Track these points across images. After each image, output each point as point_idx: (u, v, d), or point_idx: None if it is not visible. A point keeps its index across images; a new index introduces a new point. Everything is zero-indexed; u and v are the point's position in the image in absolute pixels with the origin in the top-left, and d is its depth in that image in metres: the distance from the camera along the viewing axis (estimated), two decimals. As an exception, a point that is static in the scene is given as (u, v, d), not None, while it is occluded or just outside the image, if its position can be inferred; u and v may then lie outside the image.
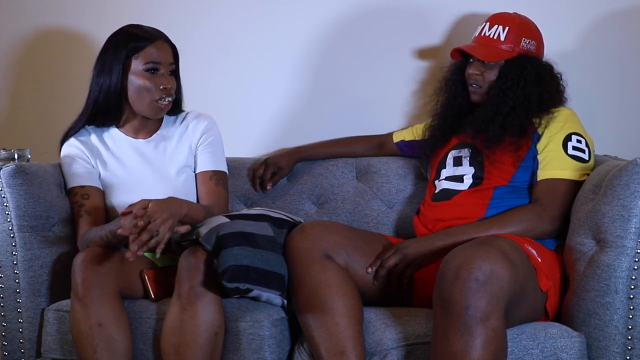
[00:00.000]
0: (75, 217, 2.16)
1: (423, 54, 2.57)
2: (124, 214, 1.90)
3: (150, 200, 1.89)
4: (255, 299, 1.98)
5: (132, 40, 2.12)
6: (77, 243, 2.13)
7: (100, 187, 2.21)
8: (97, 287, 1.93)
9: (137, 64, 2.12)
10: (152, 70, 2.12)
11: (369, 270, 2.00)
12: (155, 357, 2.01)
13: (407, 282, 2.02)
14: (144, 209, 1.86)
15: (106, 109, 2.17)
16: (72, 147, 2.21)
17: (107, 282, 1.95)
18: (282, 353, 1.98)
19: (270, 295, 1.97)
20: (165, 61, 2.14)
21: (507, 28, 2.19)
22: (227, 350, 1.95)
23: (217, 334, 1.91)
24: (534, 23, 2.24)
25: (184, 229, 1.91)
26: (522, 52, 2.19)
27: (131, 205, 1.89)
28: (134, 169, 2.22)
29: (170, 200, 1.93)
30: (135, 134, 2.24)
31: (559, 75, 2.23)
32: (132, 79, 2.13)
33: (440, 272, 1.73)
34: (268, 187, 2.49)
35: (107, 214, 2.20)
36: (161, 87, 2.13)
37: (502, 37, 2.19)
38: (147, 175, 2.21)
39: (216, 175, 2.23)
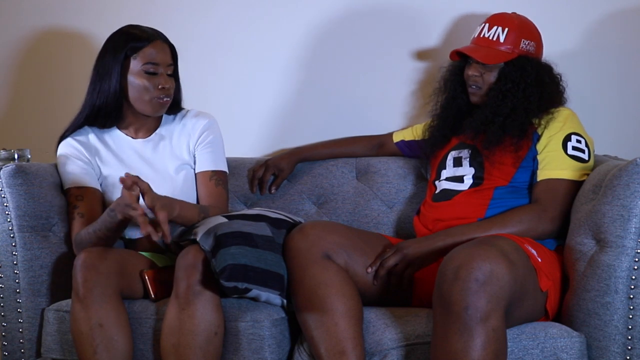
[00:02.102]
0: (69, 218, 2.16)
1: (422, 54, 2.57)
2: (124, 180, 1.92)
3: (148, 188, 1.93)
4: (255, 299, 1.98)
5: (130, 41, 2.12)
6: (73, 245, 2.13)
7: (98, 187, 2.20)
8: (97, 287, 1.93)
9: (135, 64, 2.12)
10: (150, 71, 2.13)
11: (369, 270, 2.00)
12: (156, 358, 2.01)
13: (407, 282, 2.02)
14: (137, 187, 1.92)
15: (106, 111, 2.17)
16: (68, 146, 2.21)
17: (108, 282, 1.94)
18: (282, 353, 1.98)
19: (270, 295, 1.96)
20: (164, 62, 2.15)
21: (506, 29, 2.19)
22: (227, 350, 1.95)
23: (216, 333, 1.91)
24: (533, 23, 2.24)
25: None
26: (521, 53, 2.19)
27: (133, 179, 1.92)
28: (134, 168, 2.22)
29: (165, 198, 1.98)
30: (135, 133, 2.25)
31: (558, 76, 2.23)
32: (131, 79, 2.13)
33: (440, 272, 1.73)
34: (272, 191, 2.49)
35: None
36: (160, 87, 2.13)
37: (502, 39, 2.19)
38: (146, 174, 2.21)
39: (216, 175, 2.23)
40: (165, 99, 2.16)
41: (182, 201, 2.05)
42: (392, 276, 2.01)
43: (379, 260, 2.01)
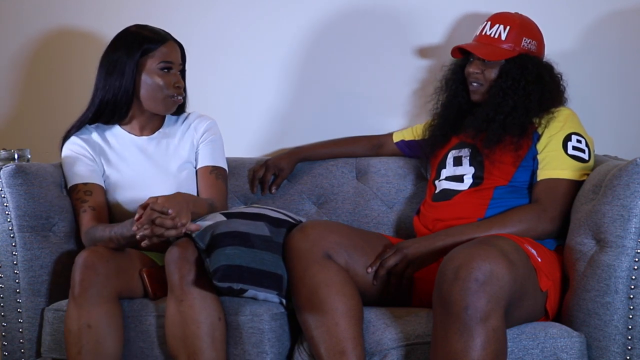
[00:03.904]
0: (77, 214, 2.16)
1: (423, 53, 2.57)
2: (139, 219, 1.88)
3: (159, 197, 1.90)
4: (253, 299, 1.98)
5: (145, 42, 2.15)
6: (82, 238, 2.13)
7: (103, 185, 2.21)
8: (94, 288, 1.93)
9: (151, 63, 2.16)
10: (165, 69, 2.16)
11: (369, 270, 2.00)
12: (156, 355, 2.01)
13: (407, 282, 2.02)
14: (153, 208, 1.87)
15: (114, 107, 2.19)
16: (74, 145, 2.22)
17: (105, 284, 1.94)
18: (282, 347, 1.98)
19: (268, 295, 1.97)
20: (176, 61, 2.19)
21: (508, 27, 2.20)
22: (227, 343, 1.96)
23: (220, 319, 1.92)
24: (535, 23, 2.25)
25: (194, 227, 1.90)
26: (523, 51, 2.19)
27: (141, 206, 1.90)
28: (137, 165, 2.23)
29: (178, 197, 1.94)
30: (140, 131, 2.26)
31: (559, 76, 2.23)
32: (146, 78, 2.16)
33: (440, 272, 1.73)
34: (273, 191, 2.49)
35: (110, 211, 2.21)
36: (175, 85, 2.17)
37: (503, 37, 2.19)
38: (149, 171, 2.22)
39: (216, 170, 2.24)
40: (178, 98, 2.20)
41: (194, 196, 2.04)
42: (392, 276, 2.01)
43: (379, 261, 2.01)
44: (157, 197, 1.90)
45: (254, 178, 2.50)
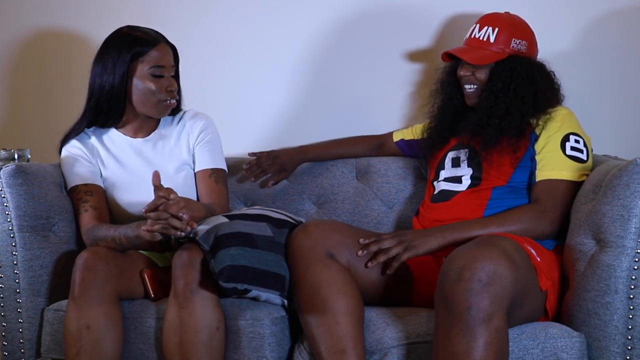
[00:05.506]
0: (77, 213, 2.16)
1: (418, 55, 2.57)
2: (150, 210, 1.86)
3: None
4: (255, 299, 1.98)
5: (136, 44, 2.13)
6: (83, 237, 2.13)
7: (102, 186, 2.21)
8: (93, 289, 1.93)
9: (142, 67, 2.13)
10: (157, 74, 2.14)
11: (362, 241, 1.97)
12: (156, 357, 2.01)
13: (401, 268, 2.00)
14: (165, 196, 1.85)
15: (108, 109, 2.17)
16: (73, 147, 2.22)
17: (105, 285, 1.94)
18: (282, 352, 1.98)
19: (270, 296, 1.97)
20: (168, 64, 2.17)
21: (496, 29, 2.19)
22: (227, 348, 1.95)
23: (218, 328, 1.91)
24: (525, 22, 2.24)
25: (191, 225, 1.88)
26: (512, 52, 2.18)
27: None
28: (134, 168, 2.22)
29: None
30: (135, 133, 2.25)
31: (551, 74, 2.22)
32: (137, 82, 2.14)
33: (443, 273, 1.74)
34: (270, 185, 2.49)
35: (110, 213, 2.20)
36: (167, 89, 2.15)
37: (492, 39, 2.18)
38: (146, 173, 2.21)
39: (215, 172, 2.23)
40: (171, 101, 2.18)
41: (189, 199, 2.04)
42: (389, 264, 1.98)
43: (377, 245, 1.98)
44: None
45: (257, 165, 2.47)
